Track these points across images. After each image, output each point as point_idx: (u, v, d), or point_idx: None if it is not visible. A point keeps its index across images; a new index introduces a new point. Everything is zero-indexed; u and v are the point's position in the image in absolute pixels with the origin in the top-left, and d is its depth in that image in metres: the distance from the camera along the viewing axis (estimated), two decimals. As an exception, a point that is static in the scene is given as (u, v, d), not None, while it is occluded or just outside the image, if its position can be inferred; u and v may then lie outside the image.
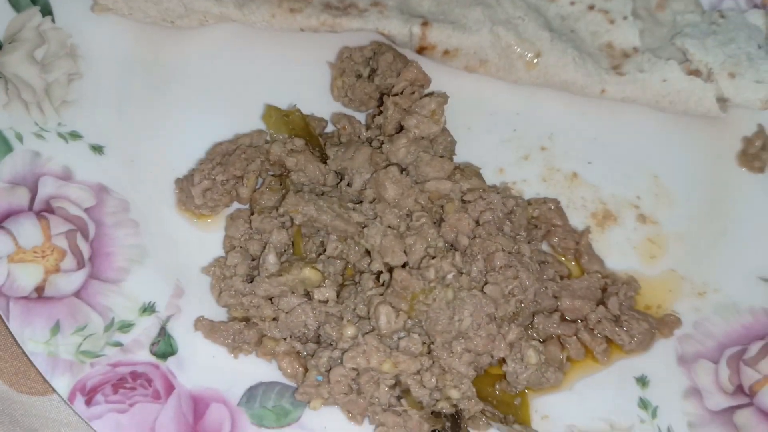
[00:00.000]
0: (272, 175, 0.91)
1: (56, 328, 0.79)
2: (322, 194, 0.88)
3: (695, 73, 0.99)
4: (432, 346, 0.79)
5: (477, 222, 0.86)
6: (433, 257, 0.81)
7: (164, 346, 0.81)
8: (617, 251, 0.95)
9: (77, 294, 0.82)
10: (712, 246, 0.95)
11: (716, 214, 0.97)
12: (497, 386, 0.84)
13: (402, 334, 0.79)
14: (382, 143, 0.88)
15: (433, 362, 0.79)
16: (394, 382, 0.78)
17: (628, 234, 0.96)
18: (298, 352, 0.82)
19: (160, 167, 0.92)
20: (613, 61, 1.01)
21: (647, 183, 0.99)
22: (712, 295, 0.92)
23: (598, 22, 1.03)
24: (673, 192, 0.98)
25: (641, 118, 1.01)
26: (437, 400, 0.79)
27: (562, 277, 0.90)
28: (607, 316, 0.87)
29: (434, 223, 0.85)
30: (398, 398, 0.78)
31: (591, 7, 1.03)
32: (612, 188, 0.98)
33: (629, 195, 0.98)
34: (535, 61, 0.98)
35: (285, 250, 0.85)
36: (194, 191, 0.88)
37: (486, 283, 0.81)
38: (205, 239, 0.90)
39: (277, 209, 0.85)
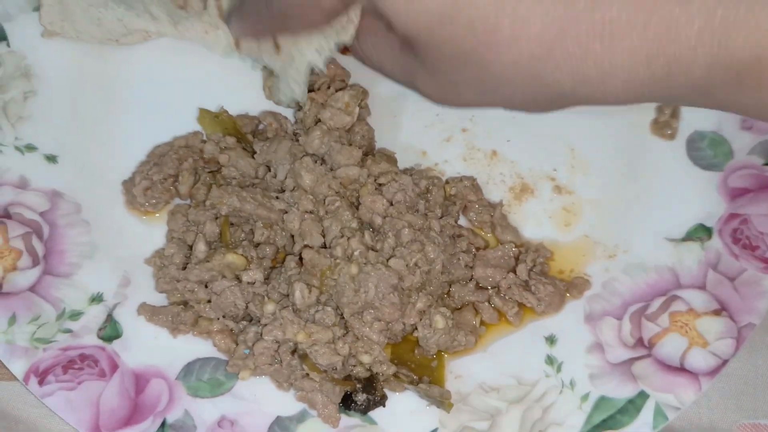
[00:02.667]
0: (208, 172, 1.00)
1: (13, 319, 0.89)
2: (252, 186, 0.97)
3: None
4: (344, 317, 0.88)
5: (391, 203, 0.94)
6: (341, 237, 0.89)
7: (110, 331, 0.90)
8: (534, 221, 1.01)
9: (32, 288, 0.91)
10: (624, 211, 1.01)
11: (629, 180, 1.02)
12: (416, 351, 0.92)
13: (318, 308, 0.88)
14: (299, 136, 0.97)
15: (347, 331, 0.88)
16: (293, 349, 0.86)
17: (545, 204, 1.02)
18: (231, 330, 0.91)
19: (111, 171, 1.00)
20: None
21: (564, 156, 1.05)
22: (621, 257, 0.98)
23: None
24: (588, 162, 1.04)
25: None
26: (354, 366, 0.88)
27: (477, 249, 0.98)
28: (517, 282, 0.95)
29: (351, 205, 0.94)
30: (300, 365, 0.87)
31: None
32: (529, 163, 1.04)
33: (546, 168, 1.04)
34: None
35: (216, 239, 0.94)
36: (135, 191, 0.97)
37: (393, 257, 0.89)
38: (153, 234, 0.98)
39: (205, 202, 0.94)
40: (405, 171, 0.98)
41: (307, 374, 0.86)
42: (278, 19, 0.88)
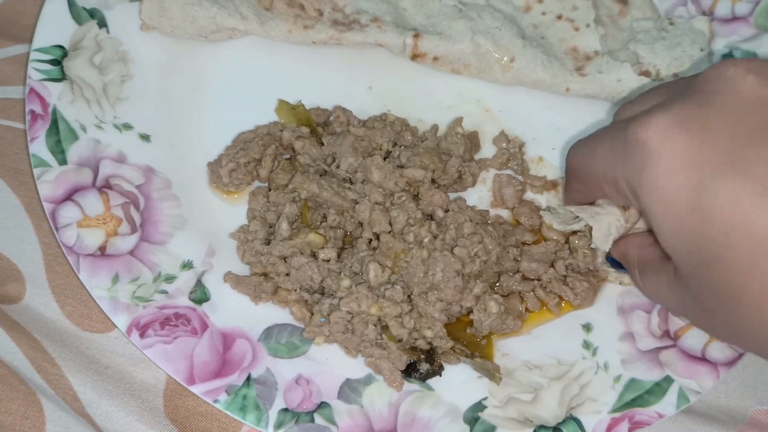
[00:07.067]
0: (285, 158, 1.11)
1: (116, 279, 0.99)
2: (325, 173, 1.08)
3: (646, 73, 1.16)
4: (411, 295, 0.99)
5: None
6: (413, 225, 1.01)
7: (200, 294, 1.01)
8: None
9: (131, 252, 1.01)
10: None
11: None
12: (468, 330, 1.04)
13: (388, 286, 0.99)
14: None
15: (412, 308, 0.99)
16: (375, 321, 0.97)
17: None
18: (306, 301, 1.02)
19: (196, 152, 1.11)
20: (577, 63, 1.18)
21: (603, 166, 1.16)
22: (651, 259, 1.10)
23: (565, 30, 1.20)
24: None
25: (599, 110, 1.19)
26: (416, 339, 0.99)
27: (524, 243, 1.09)
28: (557, 276, 1.06)
29: (414, 197, 1.05)
30: (380, 334, 0.98)
31: (559, 17, 1.21)
32: (572, 170, 1.16)
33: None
34: (510, 64, 1.16)
35: (295, 220, 1.04)
36: (222, 172, 1.07)
37: (456, 246, 1.00)
38: (233, 211, 1.08)
39: (288, 186, 1.05)
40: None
41: (377, 342, 0.97)
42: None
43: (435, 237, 1.01)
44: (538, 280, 1.07)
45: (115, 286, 0.99)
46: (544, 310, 1.06)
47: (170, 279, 1.01)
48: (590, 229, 0.95)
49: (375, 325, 0.97)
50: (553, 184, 1.14)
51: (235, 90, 1.16)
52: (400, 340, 0.98)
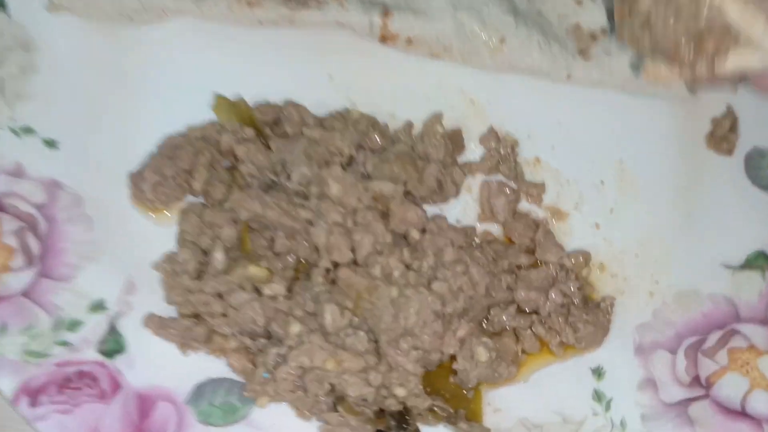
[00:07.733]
0: (225, 167, 0.92)
1: (3, 329, 0.82)
2: (273, 186, 0.88)
3: (663, 54, 0.98)
4: (379, 343, 0.80)
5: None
6: (380, 253, 0.81)
7: (113, 344, 0.84)
8: (578, 235, 0.96)
9: (26, 293, 0.84)
10: (676, 231, 0.95)
11: (682, 198, 0.97)
12: (451, 379, 0.85)
13: (349, 332, 0.80)
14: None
15: (380, 361, 0.80)
16: (329, 389, 0.79)
17: (594, 217, 0.97)
18: (247, 348, 0.84)
19: (116, 161, 0.93)
20: (581, 44, 1.00)
21: (611, 167, 0.99)
22: (673, 282, 0.93)
23: (565, 4, 1.02)
24: (637, 176, 0.98)
25: (607, 101, 1.00)
26: (384, 397, 0.81)
27: (519, 267, 0.91)
28: (558, 310, 0.88)
29: (383, 215, 0.86)
30: (334, 404, 0.79)
31: (558, -13, 1.03)
32: (575, 173, 0.98)
33: (593, 179, 0.98)
34: (500, 47, 0.98)
35: (234, 246, 0.86)
36: (144, 186, 0.89)
37: (435, 279, 0.81)
38: (161, 233, 0.91)
39: (223, 204, 0.86)
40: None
41: (335, 406, 0.78)
42: None
43: (408, 268, 0.82)
44: (537, 313, 0.89)
45: (1, 338, 0.82)
46: (544, 351, 0.89)
47: (75, 326, 0.84)
48: None
49: (328, 395, 0.78)
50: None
51: (164, 83, 0.98)
52: (364, 400, 0.79)
